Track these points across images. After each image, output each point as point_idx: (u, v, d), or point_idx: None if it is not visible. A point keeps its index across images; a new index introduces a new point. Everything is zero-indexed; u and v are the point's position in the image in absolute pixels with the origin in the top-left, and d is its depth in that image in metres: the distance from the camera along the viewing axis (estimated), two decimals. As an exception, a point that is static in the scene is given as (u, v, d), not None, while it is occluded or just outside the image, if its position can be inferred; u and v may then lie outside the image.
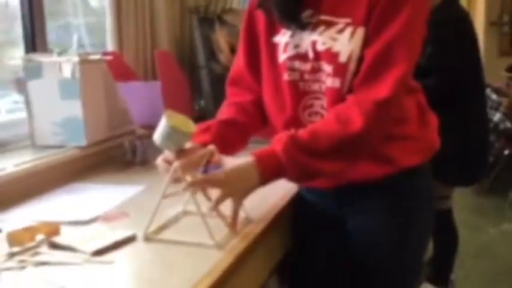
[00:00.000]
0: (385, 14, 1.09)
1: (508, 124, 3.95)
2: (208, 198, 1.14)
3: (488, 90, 4.04)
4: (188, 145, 1.16)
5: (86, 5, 2.49)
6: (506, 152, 4.18)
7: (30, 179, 1.50)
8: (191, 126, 1.14)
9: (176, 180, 1.11)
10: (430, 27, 1.40)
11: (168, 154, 1.16)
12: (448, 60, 2.24)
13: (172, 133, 1.10)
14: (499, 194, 4.17)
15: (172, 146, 1.13)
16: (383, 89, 1.07)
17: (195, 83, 2.53)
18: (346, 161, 1.13)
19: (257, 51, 1.28)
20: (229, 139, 1.26)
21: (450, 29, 2.25)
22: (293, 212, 1.37)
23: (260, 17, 1.26)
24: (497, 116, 3.98)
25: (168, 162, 1.14)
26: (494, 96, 4.04)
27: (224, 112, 1.32)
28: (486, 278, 2.97)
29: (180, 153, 1.13)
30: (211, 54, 2.42)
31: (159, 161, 1.17)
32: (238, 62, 1.35)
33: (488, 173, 4.37)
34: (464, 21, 2.38)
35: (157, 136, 1.13)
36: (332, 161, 1.10)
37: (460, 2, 2.53)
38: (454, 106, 2.23)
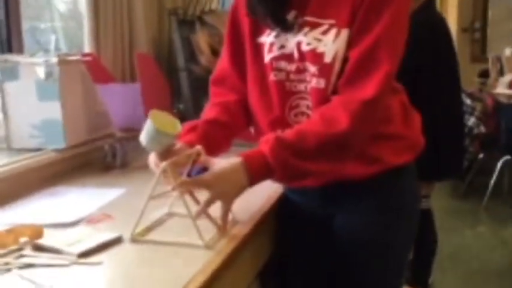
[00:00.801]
0: (368, 16, 1.10)
1: (482, 128, 4.03)
2: (196, 201, 1.13)
3: (462, 95, 4.12)
4: (176, 145, 1.14)
5: (53, 9, 2.46)
6: (481, 156, 4.26)
7: (6, 182, 1.45)
8: (177, 127, 1.12)
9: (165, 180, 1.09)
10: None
11: (154, 155, 1.15)
12: (424, 60, 2.29)
13: (157, 135, 1.08)
14: (474, 197, 4.25)
15: (158, 147, 1.12)
16: (369, 89, 1.08)
17: (174, 86, 2.51)
18: (332, 161, 1.13)
19: (242, 51, 1.28)
20: (215, 139, 1.25)
21: (428, 30, 2.32)
22: (277, 213, 1.36)
23: (244, 17, 1.26)
24: (471, 121, 4.06)
25: (157, 165, 1.13)
26: (468, 101, 4.12)
27: (209, 112, 1.31)
28: (462, 278, 3.02)
29: (166, 154, 1.11)
30: (191, 56, 2.40)
31: (151, 160, 1.16)
32: (223, 62, 1.34)
33: (463, 177, 4.45)
34: (440, 23, 2.45)
35: (143, 137, 1.11)
36: (319, 161, 1.11)
37: (436, 7, 2.60)
38: (430, 104, 2.28)
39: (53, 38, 1.95)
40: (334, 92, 1.13)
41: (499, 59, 5.03)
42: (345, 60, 1.12)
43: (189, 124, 1.26)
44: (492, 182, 4.07)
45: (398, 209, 1.26)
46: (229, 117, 1.29)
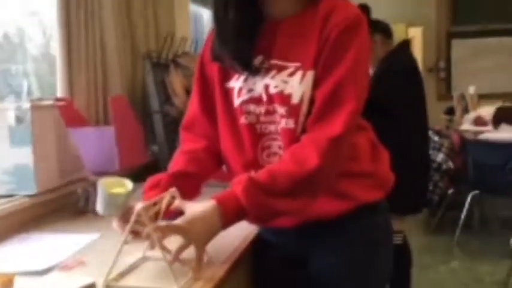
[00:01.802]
0: (332, 57, 1.15)
1: (450, 164, 4.12)
2: (167, 249, 1.13)
3: (430, 132, 4.24)
4: (135, 204, 1.14)
5: (26, 52, 2.47)
6: (451, 191, 4.34)
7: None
8: (127, 185, 1.14)
9: (135, 233, 1.10)
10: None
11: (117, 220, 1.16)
12: (394, 100, 2.41)
13: (110, 198, 1.11)
14: (446, 232, 4.29)
15: (116, 210, 1.13)
16: (335, 126, 1.12)
17: (148, 128, 2.52)
18: (305, 198, 1.14)
19: (211, 97, 1.31)
20: (181, 191, 1.22)
21: (398, 73, 2.46)
22: (253, 254, 1.37)
23: (212, 64, 1.29)
24: (440, 157, 4.16)
25: (121, 228, 1.13)
26: (436, 138, 4.22)
27: (175, 163, 1.32)
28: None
29: (127, 215, 1.12)
30: (166, 98, 2.43)
31: (115, 226, 1.16)
32: (192, 108, 1.37)
33: (434, 212, 4.52)
34: (410, 66, 2.59)
35: (99, 207, 1.13)
36: (291, 199, 1.12)
37: (410, 50, 2.73)
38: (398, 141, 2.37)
39: (25, 83, 1.95)
40: (304, 131, 1.16)
41: (463, 97, 5.20)
42: (312, 100, 1.16)
43: (152, 180, 1.27)
44: (462, 216, 4.14)
45: (372, 244, 1.28)
46: (197, 166, 1.30)
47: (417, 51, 6.63)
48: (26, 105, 1.65)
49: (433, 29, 6.56)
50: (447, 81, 6.59)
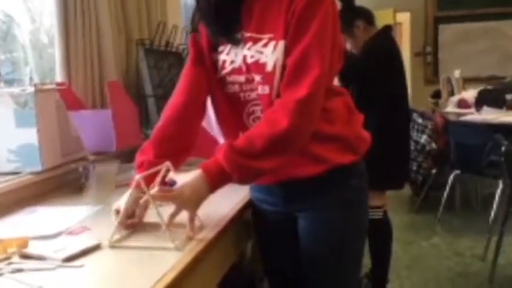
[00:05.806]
0: (298, 29, 1.28)
1: (434, 145, 4.28)
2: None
3: (415, 115, 4.39)
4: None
5: (14, 39, 2.58)
6: (434, 171, 4.50)
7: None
8: None
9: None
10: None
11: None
12: (373, 82, 2.57)
13: None
14: (429, 211, 4.49)
15: None
16: (302, 90, 1.26)
17: (142, 112, 2.65)
18: (281, 157, 1.27)
19: (204, 59, 1.43)
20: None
21: (379, 57, 2.61)
22: (253, 222, 1.54)
23: (203, 36, 1.43)
24: (423, 138, 4.32)
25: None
26: (420, 120, 4.37)
27: (144, 151, 1.43)
28: (419, 285, 3.20)
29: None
30: (160, 81, 2.56)
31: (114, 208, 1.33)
32: (185, 69, 1.49)
33: (418, 192, 4.70)
34: (391, 51, 2.73)
35: None
36: (268, 159, 1.26)
37: (391, 35, 2.86)
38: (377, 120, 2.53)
39: (28, 68, 2.07)
40: (278, 95, 1.31)
41: (449, 80, 5.34)
42: (284, 67, 1.30)
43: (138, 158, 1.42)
44: (445, 195, 4.31)
45: (346, 204, 1.41)
46: (168, 147, 1.41)
47: (405, 36, 6.78)
48: (30, 89, 1.78)
49: (421, 14, 6.69)
50: (434, 65, 6.74)
